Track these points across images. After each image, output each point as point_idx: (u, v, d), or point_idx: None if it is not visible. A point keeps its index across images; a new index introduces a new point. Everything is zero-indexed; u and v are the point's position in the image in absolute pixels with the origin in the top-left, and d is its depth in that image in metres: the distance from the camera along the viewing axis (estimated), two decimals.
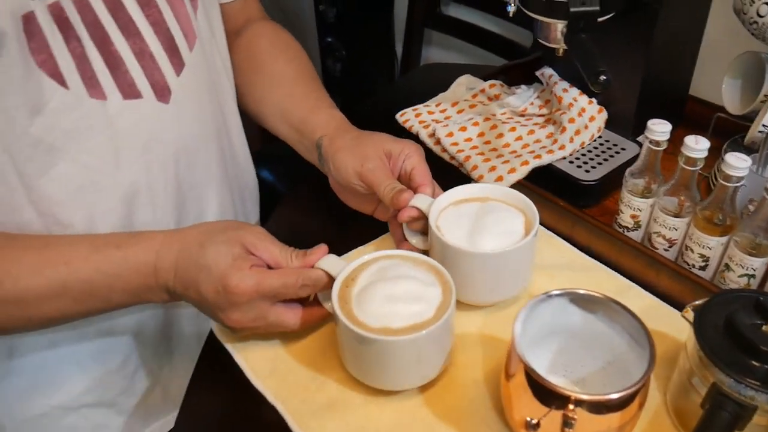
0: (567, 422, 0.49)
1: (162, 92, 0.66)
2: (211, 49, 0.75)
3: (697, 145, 0.64)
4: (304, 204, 0.85)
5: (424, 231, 0.70)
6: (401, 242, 0.72)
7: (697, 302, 0.56)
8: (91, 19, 0.60)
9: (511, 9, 0.79)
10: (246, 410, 0.63)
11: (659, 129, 0.67)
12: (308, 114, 0.78)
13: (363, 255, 0.64)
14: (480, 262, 0.64)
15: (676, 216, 0.70)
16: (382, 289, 0.59)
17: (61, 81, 0.58)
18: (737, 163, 0.63)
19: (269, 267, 0.61)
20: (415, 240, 0.71)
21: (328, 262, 0.62)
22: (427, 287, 0.59)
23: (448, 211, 0.69)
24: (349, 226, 0.79)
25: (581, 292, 0.57)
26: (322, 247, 0.62)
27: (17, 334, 0.67)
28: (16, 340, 0.68)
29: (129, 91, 0.63)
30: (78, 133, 0.61)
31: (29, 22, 0.55)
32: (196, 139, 0.72)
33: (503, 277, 0.67)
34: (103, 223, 0.66)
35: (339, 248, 0.67)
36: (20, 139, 0.58)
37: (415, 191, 0.68)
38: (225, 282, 0.57)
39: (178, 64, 0.68)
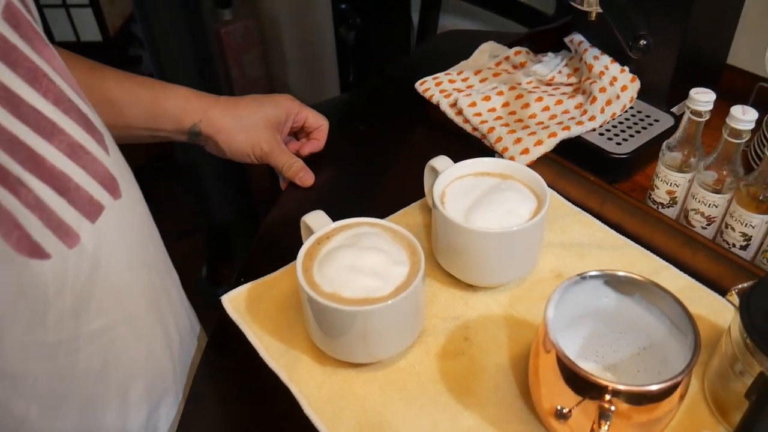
0: (603, 413, 0.46)
1: (112, 186, 0.50)
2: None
3: (744, 116, 0.60)
4: (318, 173, 0.81)
5: None
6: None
7: (743, 285, 0.52)
8: None
9: None
10: (256, 398, 0.60)
11: (703, 98, 0.63)
12: (151, 106, 0.72)
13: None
14: (466, 237, 0.62)
15: (717, 192, 0.65)
16: (348, 257, 0.57)
17: None
18: None
19: None
20: None
21: (313, 217, 0.62)
22: (394, 265, 0.57)
23: (466, 180, 0.67)
24: (364, 194, 0.76)
25: (619, 273, 0.53)
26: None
27: None
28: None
29: (91, 210, 0.48)
30: None
31: None
32: (146, 216, 0.58)
33: (488, 258, 0.63)
34: None
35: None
36: None
37: (310, 136, 0.84)
38: None
39: (100, 139, 0.50)
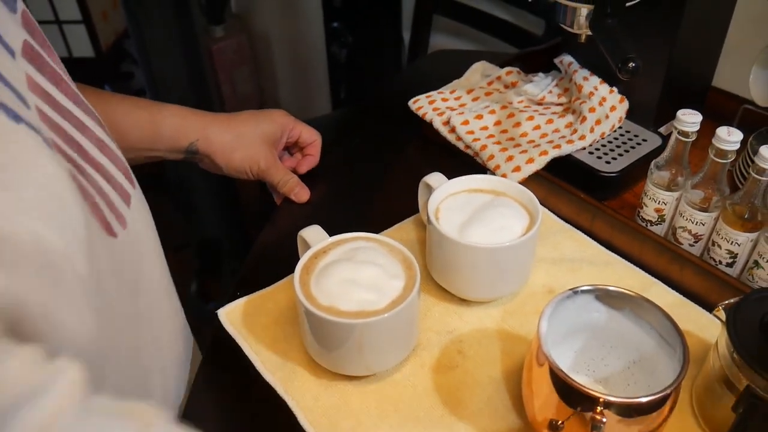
0: (595, 425, 0.47)
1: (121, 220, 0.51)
2: None
3: (729, 137, 0.62)
4: (313, 189, 0.82)
5: None
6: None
7: (729, 301, 0.54)
8: None
9: None
10: (252, 411, 0.60)
11: (689, 119, 0.65)
12: (149, 128, 0.72)
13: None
14: (460, 252, 0.63)
15: (704, 210, 0.67)
16: (345, 270, 0.58)
17: None
18: None
19: None
20: None
21: (310, 232, 0.63)
22: (389, 279, 0.58)
23: (459, 197, 0.68)
24: (359, 210, 0.76)
25: (610, 288, 0.54)
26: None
27: None
28: None
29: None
30: None
31: None
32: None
33: (482, 273, 0.64)
34: None
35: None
36: None
37: (304, 151, 0.85)
38: None
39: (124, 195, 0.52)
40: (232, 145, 0.76)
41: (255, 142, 0.77)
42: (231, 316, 0.66)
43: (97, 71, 2.07)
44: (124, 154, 0.68)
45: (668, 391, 0.47)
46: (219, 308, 0.67)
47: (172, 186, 1.76)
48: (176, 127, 0.73)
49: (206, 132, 0.75)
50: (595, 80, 0.86)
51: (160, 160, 0.76)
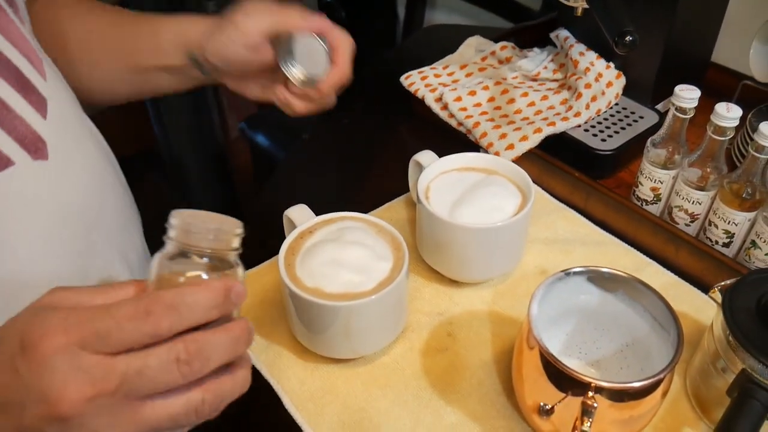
0: (586, 410, 0.46)
1: (35, 147, 0.49)
2: (52, 64, 0.56)
3: (728, 113, 0.60)
4: (302, 168, 0.80)
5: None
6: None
7: (726, 282, 0.52)
8: None
9: None
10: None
11: (688, 95, 0.63)
12: (153, 39, 0.63)
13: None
14: (450, 232, 0.61)
15: (700, 189, 0.65)
16: (331, 251, 0.56)
17: None
18: None
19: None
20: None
21: (296, 211, 0.60)
22: (377, 260, 0.56)
23: (451, 175, 0.67)
24: (348, 189, 0.75)
25: (603, 270, 0.53)
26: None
27: None
28: None
29: None
30: None
31: None
32: (93, 185, 0.55)
33: (473, 254, 0.63)
34: None
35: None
36: None
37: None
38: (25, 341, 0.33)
39: (38, 102, 0.50)
40: (218, 25, 0.60)
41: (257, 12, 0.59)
42: None
43: None
44: (144, 76, 0.65)
45: (661, 376, 0.46)
46: None
47: (167, 167, 1.74)
48: (174, 32, 0.63)
49: (198, 36, 0.61)
50: (592, 55, 0.84)
51: (188, 86, 0.66)
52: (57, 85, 0.54)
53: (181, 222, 0.35)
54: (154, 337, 0.33)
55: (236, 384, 0.37)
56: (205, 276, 0.36)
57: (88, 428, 0.32)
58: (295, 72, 0.56)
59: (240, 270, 0.38)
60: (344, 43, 0.59)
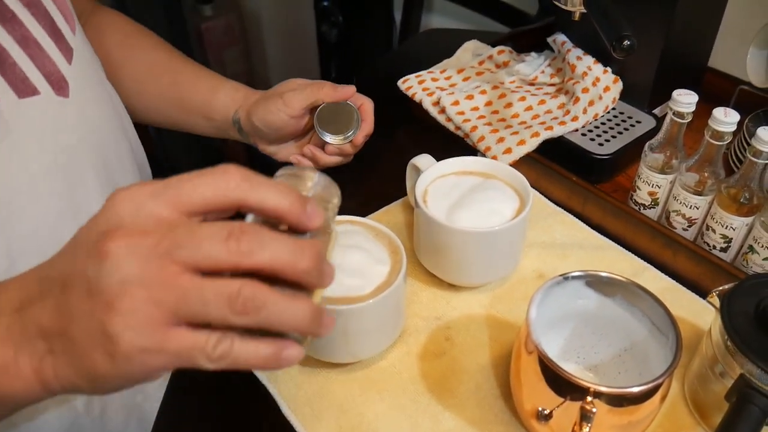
0: (585, 415, 0.46)
1: (59, 85, 0.55)
2: (83, 31, 0.63)
3: (726, 118, 0.60)
4: None
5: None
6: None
7: (724, 287, 0.52)
8: None
9: None
10: (234, 399, 0.59)
11: (685, 100, 0.63)
12: (209, 95, 0.72)
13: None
14: (448, 236, 0.61)
15: (698, 194, 0.65)
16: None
17: None
18: None
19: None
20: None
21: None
22: (375, 264, 0.56)
23: (448, 179, 0.66)
24: (345, 192, 0.74)
25: (601, 274, 0.53)
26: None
27: None
28: None
29: (23, 88, 0.52)
30: None
31: None
32: (104, 135, 0.61)
33: (470, 258, 0.63)
34: (19, 250, 0.52)
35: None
36: None
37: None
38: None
39: (66, 50, 0.56)
40: (259, 98, 0.70)
41: (280, 86, 0.71)
42: None
43: None
44: (186, 117, 0.74)
45: (660, 381, 0.46)
46: None
47: (163, 168, 1.74)
48: (229, 96, 0.72)
49: (244, 102, 0.71)
50: (589, 60, 0.84)
51: (219, 135, 0.75)
52: (82, 43, 0.60)
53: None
54: (217, 204, 0.34)
55: (290, 306, 0.33)
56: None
57: (120, 273, 0.31)
58: (330, 137, 0.68)
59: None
60: (368, 104, 0.70)
